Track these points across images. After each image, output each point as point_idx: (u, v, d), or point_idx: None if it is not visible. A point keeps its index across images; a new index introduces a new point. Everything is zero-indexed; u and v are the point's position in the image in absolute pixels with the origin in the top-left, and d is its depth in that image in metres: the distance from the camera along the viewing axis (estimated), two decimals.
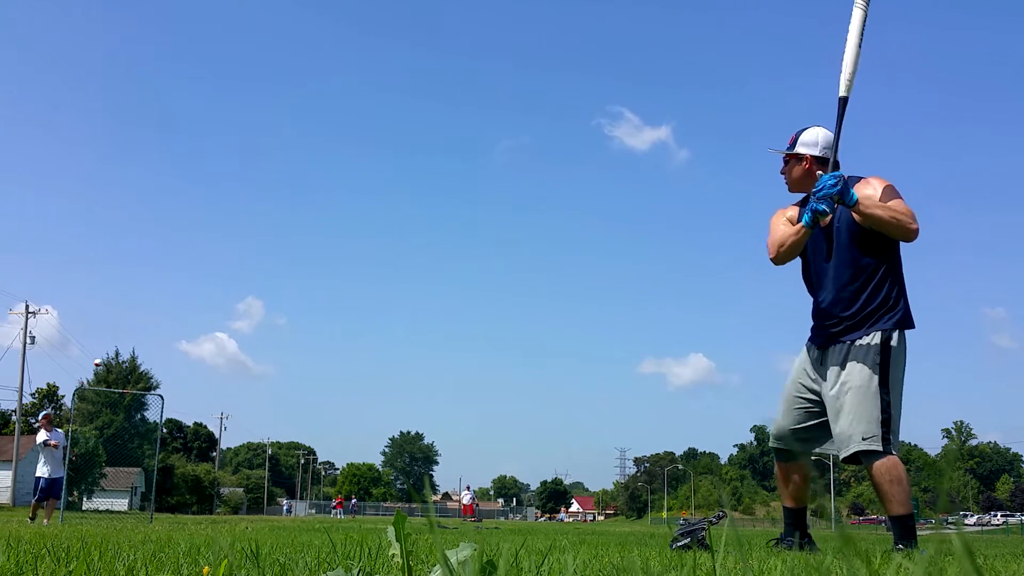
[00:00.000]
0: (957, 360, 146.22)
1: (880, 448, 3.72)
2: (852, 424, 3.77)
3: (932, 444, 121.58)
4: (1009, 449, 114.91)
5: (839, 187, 3.64)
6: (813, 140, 4.07)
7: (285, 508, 71.14)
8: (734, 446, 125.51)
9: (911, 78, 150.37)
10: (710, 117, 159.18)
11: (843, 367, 3.86)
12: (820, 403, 4.04)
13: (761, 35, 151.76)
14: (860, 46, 3.91)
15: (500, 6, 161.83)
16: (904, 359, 3.88)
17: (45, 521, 12.13)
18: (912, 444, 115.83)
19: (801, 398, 4.10)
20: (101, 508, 39.54)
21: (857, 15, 3.93)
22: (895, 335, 3.85)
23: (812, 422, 4.09)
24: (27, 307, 45.55)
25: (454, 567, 1.39)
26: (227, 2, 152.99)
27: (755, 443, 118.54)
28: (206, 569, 1.98)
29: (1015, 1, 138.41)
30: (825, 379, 3.95)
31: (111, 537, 4.43)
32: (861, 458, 3.79)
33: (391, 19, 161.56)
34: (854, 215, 3.83)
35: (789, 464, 4.20)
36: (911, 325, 3.92)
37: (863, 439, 3.74)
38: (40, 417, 13.44)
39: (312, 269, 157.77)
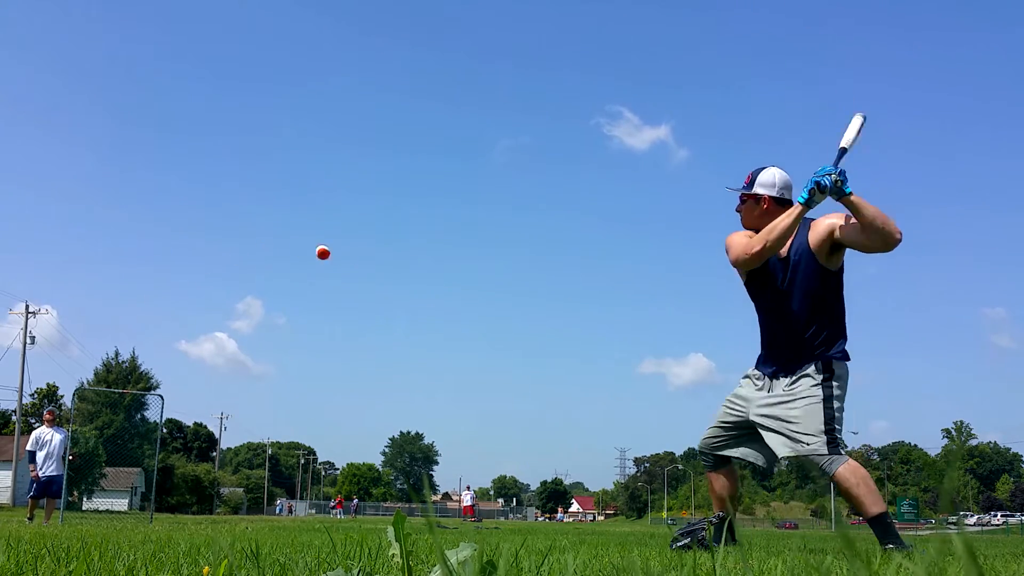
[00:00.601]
0: (957, 360, 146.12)
1: (827, 452, 3.76)
2: (801, 433, 3.82)
3: (932, 444, 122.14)
4: (1009, 449, 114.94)
5: (839, 171, 3.66)
6: (771, 181, 4.08)
7: (279, 508, 69.28)
8: None
9: (911, 77, 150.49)
10: (710, 117, 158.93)
11: (791, 388, 3.92)
12: (750, 428, 4.13)
13: (761, 35, 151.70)
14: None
15: (500, 6, 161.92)
16: (846, 386, 3.93)
17: (45, 521, 12.14)
18: (912, 444, 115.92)
19: (735, 415, 4.16)
20: (101, 508, 39.54)
21: (857, 121, 3.97)
22: (838, 365, 3.91)
23: (736, 437, 4.21)
24: (27, 307, 45.62)
25: (454, 567, 1.39)
26: (227, 2, 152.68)
27: None
28: (206, 569, 1.98)
29: (1015, 1, 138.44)
30: (765, 403, 4.00)
31: (111, 537, 4.43)
32: (822, 467, 3.80)
33: (391, 19, 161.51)
34: (851, 209, 3.74)
35: (717, 472, 4.29)
36: (848, 358, 3.97)
37: (810, 445, 3.78)
38: (45, 412, 13.52)
39: (312, 269, 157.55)
